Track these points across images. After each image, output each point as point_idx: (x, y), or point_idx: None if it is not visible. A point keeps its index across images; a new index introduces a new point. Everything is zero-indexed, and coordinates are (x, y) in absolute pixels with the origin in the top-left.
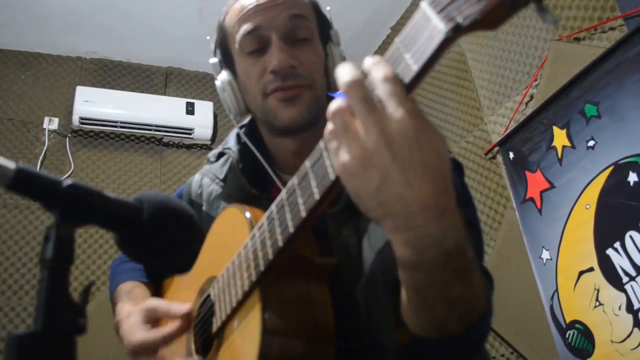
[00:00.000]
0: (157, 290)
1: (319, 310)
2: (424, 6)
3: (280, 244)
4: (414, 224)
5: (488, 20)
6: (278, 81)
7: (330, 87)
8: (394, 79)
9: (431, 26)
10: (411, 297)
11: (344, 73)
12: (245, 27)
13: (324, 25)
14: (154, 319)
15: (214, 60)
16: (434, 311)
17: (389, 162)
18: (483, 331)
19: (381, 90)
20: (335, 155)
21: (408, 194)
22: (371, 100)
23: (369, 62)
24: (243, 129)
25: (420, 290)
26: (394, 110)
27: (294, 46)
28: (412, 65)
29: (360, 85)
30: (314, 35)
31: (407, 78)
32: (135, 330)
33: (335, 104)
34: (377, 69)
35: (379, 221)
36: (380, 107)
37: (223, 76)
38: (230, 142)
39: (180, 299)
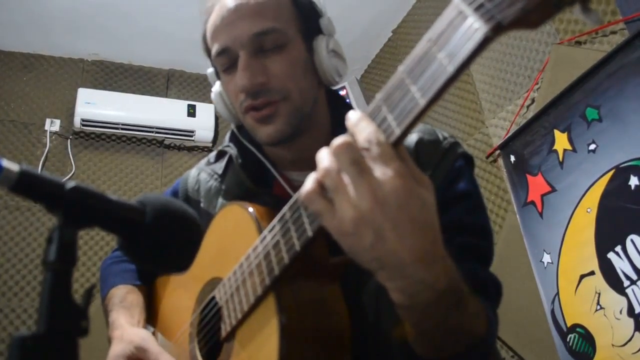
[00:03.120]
0: (149, 291)
1: (335, 312)
2: (458, 1)
3: (298, 248)
4: (407, 273)
5: (530, 19)
6: (249, 100)
7: (322, 82)
8: (377, 139)
9: (467, 25)
10: (409, 328)
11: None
12: (215, 47)
13: (307, 17)
14: (137, 359)
15: (210, 70)
16: (431, 339)
17: (381, 222)
18: (482, 352)
19: (367, 153)
20: (326, 217)
21: (400, 248)
22: (360, 163)
23: (351, 121)
24: (240, 129)
25: (416, 324)
26: (383, 172)
27: (264, 57)
28: (447, 66)
29: (349, 148)
30: (288, 39)
31: (443, 78)
32: None
33: (323, 164)
34: (360, 130)
35: (374, 272)
36: (369, 169)
37: (215, 88)
38: (229, 139)
39: (178, 299)
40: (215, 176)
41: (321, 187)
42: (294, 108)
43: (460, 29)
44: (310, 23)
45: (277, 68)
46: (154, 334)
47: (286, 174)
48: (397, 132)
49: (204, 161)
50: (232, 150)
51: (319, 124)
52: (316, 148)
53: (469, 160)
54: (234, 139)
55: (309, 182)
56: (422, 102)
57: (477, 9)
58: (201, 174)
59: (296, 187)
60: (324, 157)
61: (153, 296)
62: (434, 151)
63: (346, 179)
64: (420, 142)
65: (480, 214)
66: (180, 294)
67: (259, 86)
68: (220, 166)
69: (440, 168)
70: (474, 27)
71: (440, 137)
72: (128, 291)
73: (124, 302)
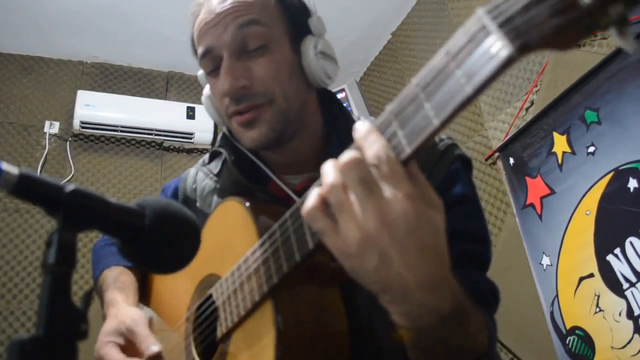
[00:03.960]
0: (143, 274)
1: (334, 317)
2: (482, 15)
3: (298, 259)
4: (411, 298)
5: (560, 40)
6: (233, 105)
7: (311, 86)
8: (387, 157)
9: (489, 42)
10: (411, 347)
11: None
12: (200, 50)
13: (295, 18)
14: (127, 338)
15: (200, 72)
16: (432, 357)
17: (387, 245)
18: None
19: (375, 170)
20: (328, 236)
21: (406, 273)
22: (368, 182)
23: (360, 134)
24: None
25: (418, 344)
26: (392, 194)
27: (248, 59)
28: (465, 85)
29: (357, 166)
30: (273, 39)
31: (459, 99)
32: (105, 341)
33: (328, 180)
34: (368, 145)
35: (376, 294)
36: (377, 189)
37: (205, 91)
38: (222, 141)
39: (173, 289)
40: (211, 175)
41: (324, 203)
42: (278, 112)
43: (481, 46)
44: (298, 23)
45: (261, 70)
46: (150, 320)
47: (281, 176)
48: (408, 150)
49: (200, 161)
50: (225, 150)
51: (310, 126)
52: (308, 151)
53: (466, 162)
54: (225, 141)
55: (312, 197)
56: (436, 122)
57: (502, 25)
58: (198, 173)
59: (292, 188)
60: (329, 171)
61: (146, 280)
62: (430, 154)
63: (353, 197)
64: None
65: (478, 218)
66: (176, 286)
67: (242, 89)
68: (216, 165)
69: (436, 171)
70: (497, 46)
71: (437, 138)
72: (120, 272)
73: (117, 282)
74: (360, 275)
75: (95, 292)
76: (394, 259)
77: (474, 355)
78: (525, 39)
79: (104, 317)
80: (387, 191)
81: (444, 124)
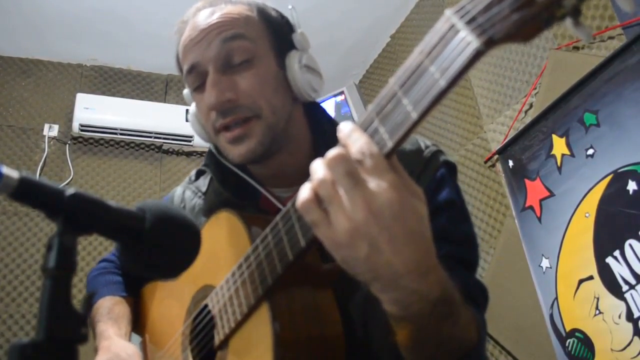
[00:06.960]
0: (136, 302)
1: (328, 319)
2: (450, 15)
3: (291, 258)
4: (401, 284)
5: (521, 34)
6: (220, 119)
7: (297, 100)
8: (370, 151)
9: (459, 39)
10: (401, 339)
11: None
12: (185, 66)
13: (279, 33)
14: None
15: (186, 91)
16: (424, 349)
17: (376, 233)
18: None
19: (360, 165)
20: (321, 227)
21: (395, 260)
22: (354, 175)
23: (343, 133)
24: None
25: (409, 334)
26: (377, 184)
27: (233, 73)
28: (439, 80)
29: (343, 160)
30: (257, 53)
31: (435, 92)
32: None
33: (317, 175)
34: (352, 142)
35: (367, 283)
36: (363, 181)
37: (191, 109)
38: (208, 158)
39: (168, 308)
40: (199, 194)
41: (317, 196)
42: (266, 126)
43: (452, 42)
44: (282, 39)
45: (246, 84)
46: (143, 342)
47: (269, 190)
48: (390, 144)
49: (187, 179)
50: (210, 170)
51: (297, 140)
52: (296, 164)
53: (451, 167)
54: (212, 159)
55: (305, 191)
56: (415, 115)
57: (469, 22)
58: (186, 191)
59: (280, 201)
60: (318, 167)
61: (141, 306)
62: (416, 161)
63: (341, 190)
64: (401, 151)
65: (464, 221)
66: (171, 303)
67: (228, 103)
68: (204, 183)
69: (423, 177)
70: (466, 41)
71: (422, 146)
72: (115, 303)
73: (111, 313)
74: (351, 265)
75: (89, 323)
76: (383, 247)
77: (464, 349)
78: (490, 34)
79: (95, 349)
80: (372, 182)
81: (422, 116)
